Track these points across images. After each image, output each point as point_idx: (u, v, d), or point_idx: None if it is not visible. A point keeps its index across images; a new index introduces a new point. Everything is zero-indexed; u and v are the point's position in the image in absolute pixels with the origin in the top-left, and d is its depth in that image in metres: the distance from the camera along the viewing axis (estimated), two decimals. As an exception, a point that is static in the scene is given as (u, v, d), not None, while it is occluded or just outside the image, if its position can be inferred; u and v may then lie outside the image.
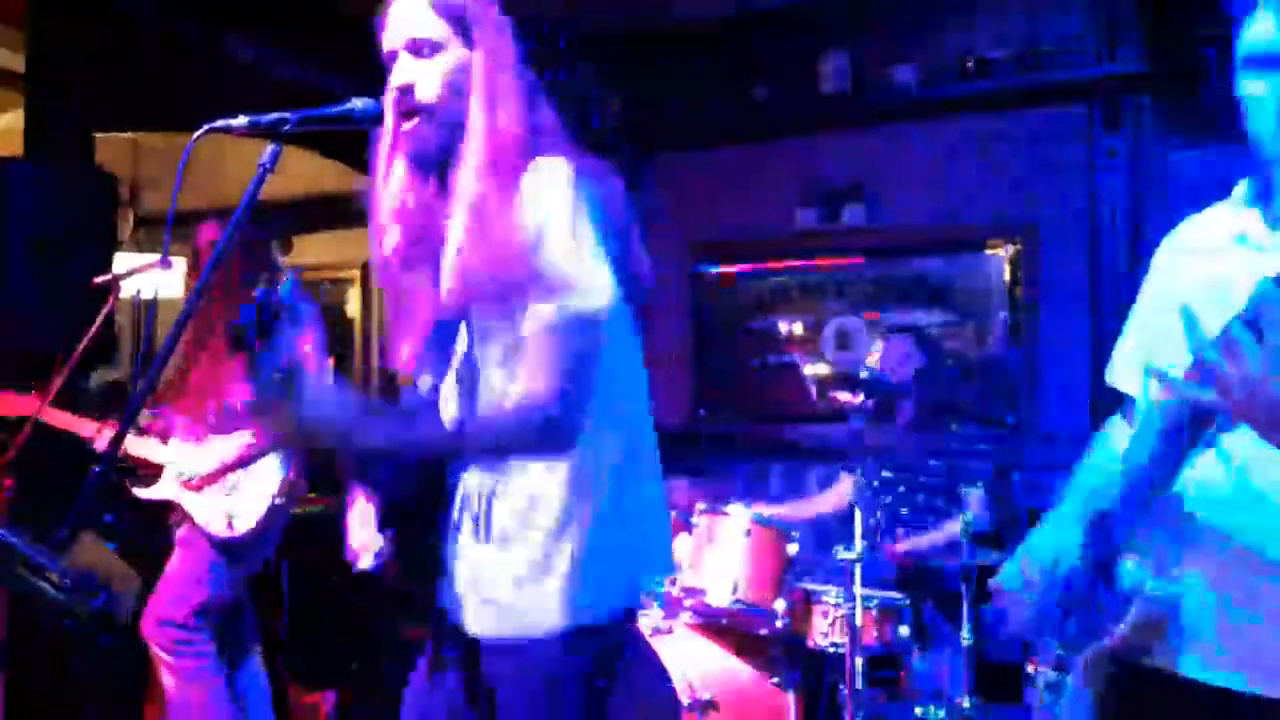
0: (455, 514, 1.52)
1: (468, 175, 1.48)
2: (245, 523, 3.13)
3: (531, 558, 1.47)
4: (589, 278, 1.43)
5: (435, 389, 1.54)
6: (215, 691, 3.17)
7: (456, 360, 1.55)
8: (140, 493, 3.23)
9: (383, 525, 1.58)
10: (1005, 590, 1.53)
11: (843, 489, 4.10)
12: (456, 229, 1.49)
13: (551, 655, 1.46)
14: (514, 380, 1.46)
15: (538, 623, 1.46)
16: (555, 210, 1.43)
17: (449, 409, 1.56)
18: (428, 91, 1.50)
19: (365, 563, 1.60)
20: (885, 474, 3.92)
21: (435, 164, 1.53)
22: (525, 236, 1.44)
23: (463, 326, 1.54)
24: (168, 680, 3.14)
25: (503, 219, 1.44)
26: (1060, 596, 1.44)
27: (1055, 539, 1.53)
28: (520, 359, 1.45)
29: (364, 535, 1.67)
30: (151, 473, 3.23)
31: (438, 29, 1.50)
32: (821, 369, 5.35)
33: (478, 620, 1.50)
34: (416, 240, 1.54)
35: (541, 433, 1.42)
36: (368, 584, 1.57)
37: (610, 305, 1.44)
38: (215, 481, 3.15)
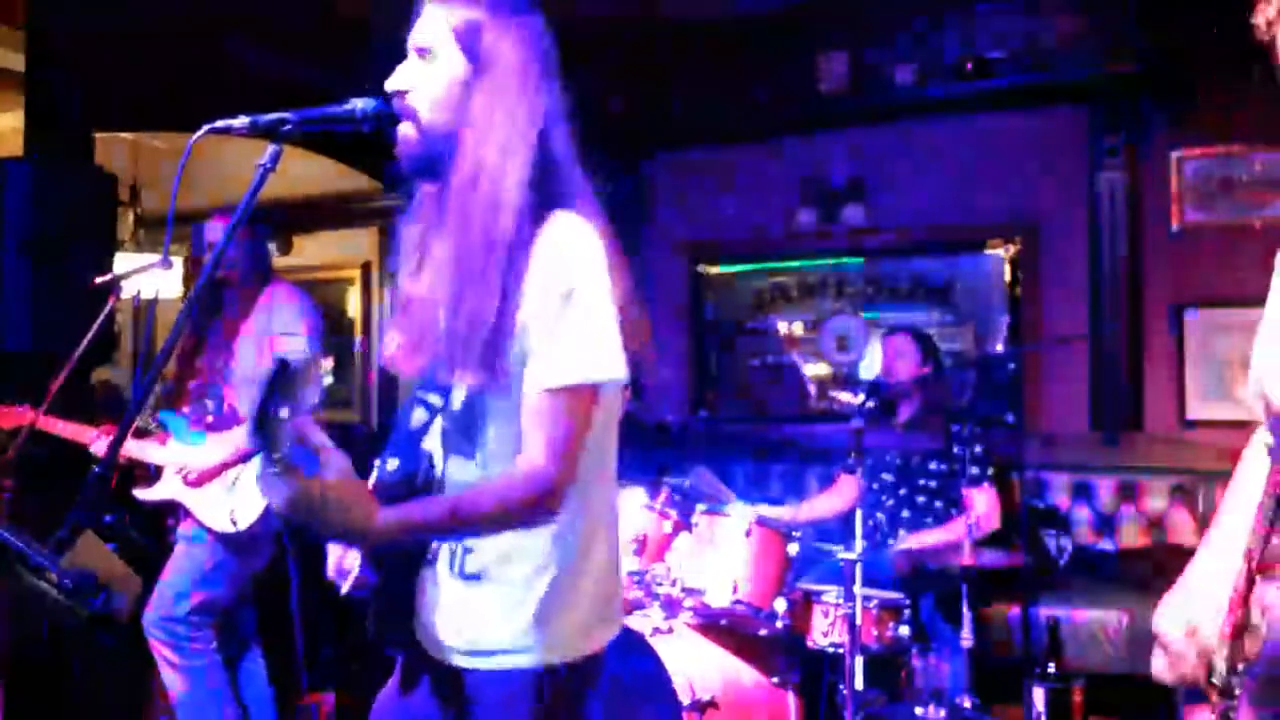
0: (434, 545, 1.51)
1: (455, 205, 1.44)
2: (248, 518, 3.13)
3: (507, 597, 1.47)
4: (610, 350, 1.41)
5: (424, 428, 1.51)
6: (217, 689, 3.17)
7: (448, 416, 1.51)
8: (142, 494, 3.23)
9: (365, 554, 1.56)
10: (1169, 637, 1.50)
11: (844, 491, 4.10)
12: (443, 268, 1.45)
13: (530, 688, 1.45)
14: (510, 441, 1.43)
15: (514, 660, 1.46)
16: (581, 276, 1.40)
17: (437, 463, 1.53)
18: (415, 98, 1.47)
19: (346, 587, 1.59)
20: (885, 476, 3.92)
21: (424, 175, 1.51)
22: (526, 292, 1.40)
23: (457, 386, 1.48)
24: (169, 678, 3.13)
25: (494, 270, 1.39)
26: (1229, 630, 1.40)
27: (1216, 569, 1.49)
28: (523, 421, 1.41)
29: (345, 559, 1.66)
30: (151, 475, 3.23)
31: (436, 36, 1.47)
32: (821, 369, 5.35)
33: (453, 649, 1.50)
34: (424, 253, 1.53)
35: (543, 508, 1.40)
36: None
37: (621, 379, 1.44)
38: (215, 477, 3.16)
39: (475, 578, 1.48)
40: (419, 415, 1.50)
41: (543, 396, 1.40)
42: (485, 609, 1.47)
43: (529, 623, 1.46)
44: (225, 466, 3.15)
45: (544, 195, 1.44)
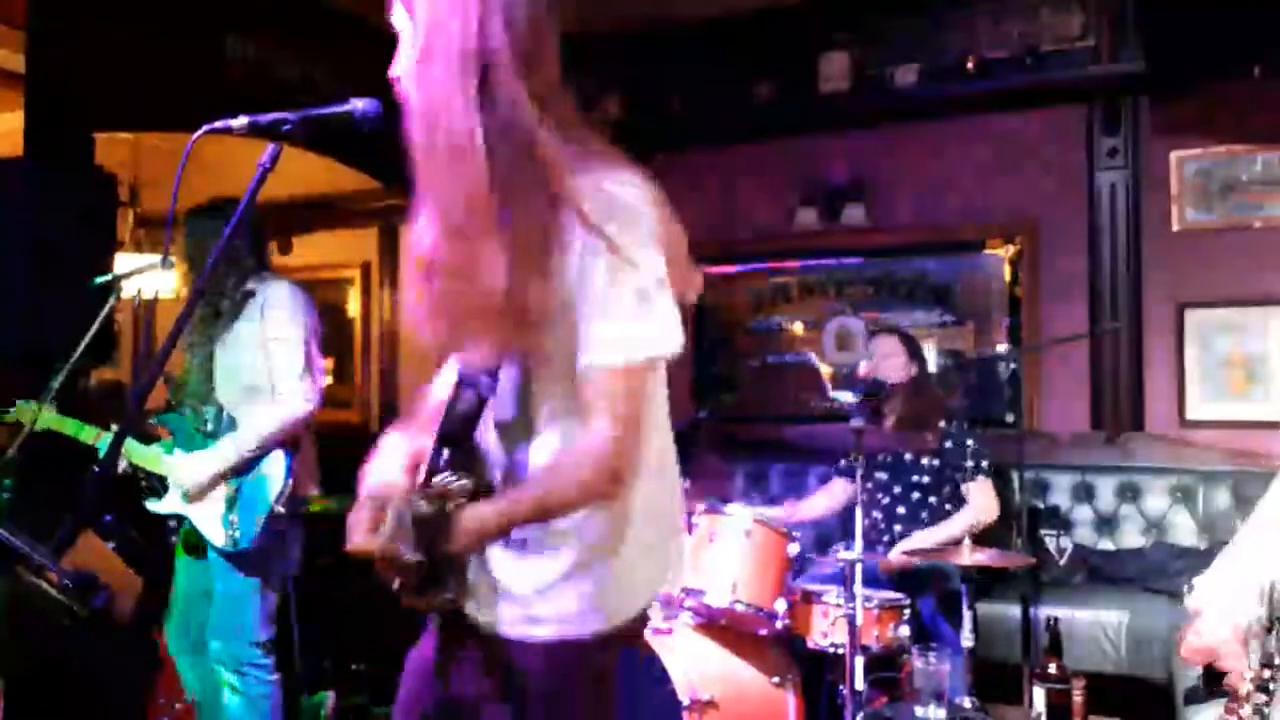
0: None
1: (420, 152, 1.40)
2: (247, 533, 3.02)
3: (555, 566, 1.45)
4: (669, 323, 1.39)
5: (475, 413, 1.48)
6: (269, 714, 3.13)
7: (498, 402, 1.48)
8: (153, 507, 3.12)
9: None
10: (1205, 618, 1.48)
11: (835, 491, 4.10)
12: (433, 224, 1.42)
13: (581, 656, 1.45)
14: (564, 417, 1.42)
15: (563, 628, 1.45)
16: (632, 241, 1.35)
17: (493, 448, 1.51)
18: (402, 80, 1.45)
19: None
20: (879, 475, 3.92)
21: None
22: (568, 260, 1.36)
23: (505, 366, 1.46)
24: (234, 701, 3.07)
25: (483, 221, 1.35)
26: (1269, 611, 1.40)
27: (1259, 551, 1.48)
28: (586, 397, 1.38)
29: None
30: (155, 481, 3.16)
31: (397, 12, 1.46)
32: (821, 369, 5.35)
33: (501, 620, 1.48)
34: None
35: (616, 484, 1.39)
36: (371, 584, 1.54)
37: (678, 351, 1.41)
38: (213, 490, 3.05)
39: (522, 547, 1.46)
40: (467, 400, 1.47)
41: (604, 373, 1.37)
42: (533, 578, 1.46)
43: (580, 591, 1.44)
44: (220, 478, 3.03)
45: (554, 159, 1.37)
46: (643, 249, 1.37)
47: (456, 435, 1.47)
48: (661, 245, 1.40)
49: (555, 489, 1.41)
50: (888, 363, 3.94)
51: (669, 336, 1.40)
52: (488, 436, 1.50)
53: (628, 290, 1.36)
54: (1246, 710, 1.39)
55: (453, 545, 1.41)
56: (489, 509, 1.42)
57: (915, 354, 4.01)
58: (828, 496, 4.14)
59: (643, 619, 1.53)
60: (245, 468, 3.03)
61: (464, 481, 1.43)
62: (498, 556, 1.48)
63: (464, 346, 1.45)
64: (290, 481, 3.06)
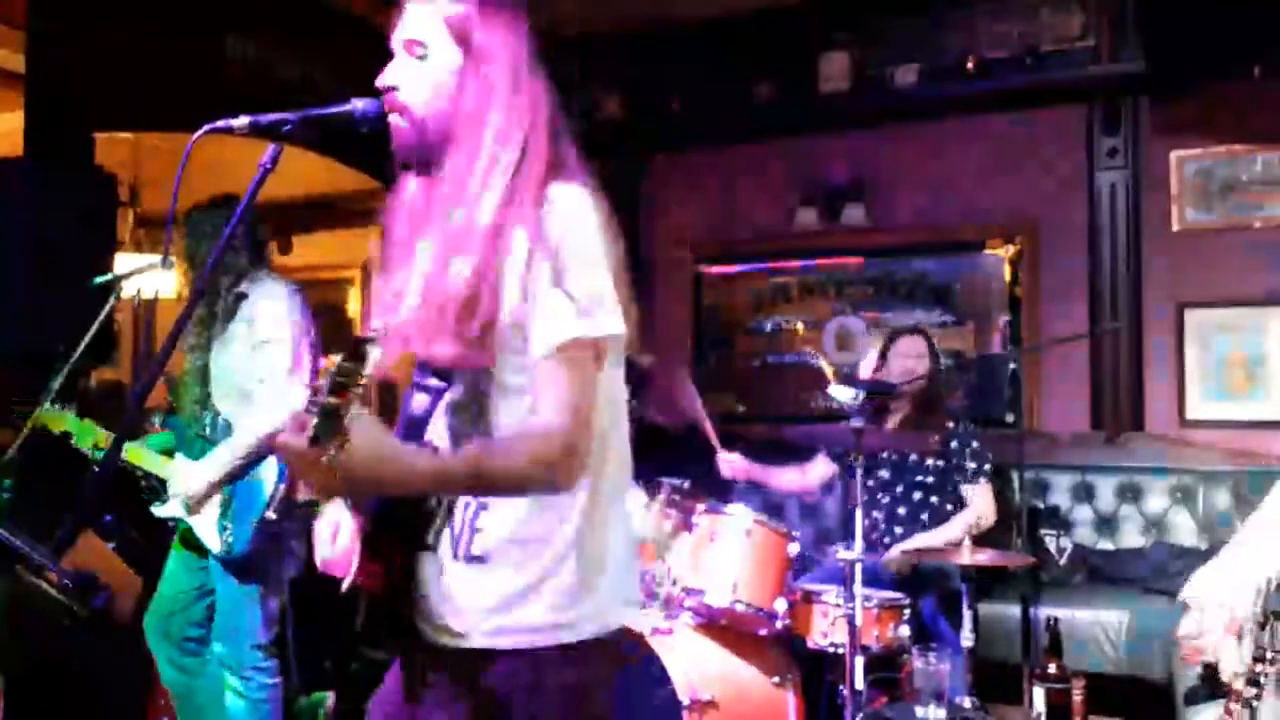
0: (433, 530, 1.49)
1: (448, 193, 1.45)
2: (241, 539, 3.00)
3: (519, 577, 1.45)
4: (606, 305, 1.42)
5: (430, 410, 1.50)
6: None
7: (451, 399, 1.50)
8: (158, 511, 3.11)
9: (365, 542, 1.55)
10: (1202, 603, 1.51)
11: (814, 470, 4.05)
12: (430, 251, 1.45)
13: (553, 666, 1.44)
14: (522, 409, 1.43)
15: (533, 638, 1.45)
16: (572, 236, 1.41)
17: (441, 442, 1.51)
18: (409, 93, 1.49)
19: (348, 583, 1.57)
20: (881, 473, 3.92)
21: (419, 167, 1.52)
22: (514, 253, 1.41)
23: (459, 369, 1.49)
24: (236, 705, 3.07)
25: (479, 246, 1.41)
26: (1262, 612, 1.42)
27: (1258, 550, 1.50)
28: (534, 385, 1.41)
29: (335, 550, 1.64)
30: (156, 484, 3.13)
31: (429, 31, 1.49)
32: (826, 369, 5.35)
33: (464, 635, 1.47)
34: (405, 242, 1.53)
35: (563, 467, 1.38)
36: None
37: (620, 334, 1.44)
38: (210, 498, 3.03)
39: (483, 560, 1.45)
40: (420, 401, 1.49)
41: (546, 359, 1.40)
42: (497, 591, 1.45)
43: (546, 604, 1.44)
44: (216, 487, 3.01)
45: (539, 178, 1.45)
46: (586, 254, 1.42)
47: (407, 439, 1.47)
48: (604, 246, 1.44)
49: (498, 454, 1.40)
50: (918, 363, 3.92)
51: (606, 319, 1.42)
52: (438, 425, 1.50)
53: (565, 279, 1.40)
54: (1237, 707, 1.41)
55: (361, 447, 1.26)
56: (427, 452, 1.42)
57: (935, 353, 4.02)
58: (804, 474, 4.07)
59: (618, 628, 1.51)
60: (241, 473, 3.01)
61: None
62: (459, 572, 1.47)
63: (432, 351, 1.46)
64: (282, 485, 3.02)
